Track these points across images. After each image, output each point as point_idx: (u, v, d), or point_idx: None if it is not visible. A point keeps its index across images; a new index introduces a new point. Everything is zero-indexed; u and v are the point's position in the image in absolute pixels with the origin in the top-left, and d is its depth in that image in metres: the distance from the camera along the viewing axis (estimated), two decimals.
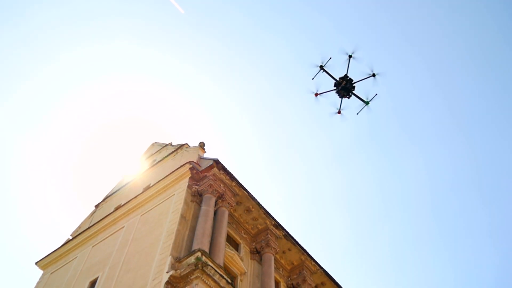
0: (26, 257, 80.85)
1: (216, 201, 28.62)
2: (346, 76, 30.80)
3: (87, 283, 27.89)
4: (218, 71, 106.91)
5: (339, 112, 31.94)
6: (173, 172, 31.00)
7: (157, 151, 41.25)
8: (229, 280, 22.69)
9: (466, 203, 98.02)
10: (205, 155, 32.94)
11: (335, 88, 31.12)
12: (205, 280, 21.51)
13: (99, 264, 28.82)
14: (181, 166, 30.82)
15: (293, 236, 33.04)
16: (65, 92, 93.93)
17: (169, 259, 22.90)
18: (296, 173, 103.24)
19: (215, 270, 22.12)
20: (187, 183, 28.98)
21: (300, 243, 33.28)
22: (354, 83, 30.95)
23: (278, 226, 32.16)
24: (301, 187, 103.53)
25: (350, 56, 30.35)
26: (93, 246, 31.91)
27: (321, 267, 34.09)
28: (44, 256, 34.98)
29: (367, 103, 31.28)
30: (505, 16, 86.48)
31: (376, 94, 31.19)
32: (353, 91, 31.16)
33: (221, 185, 29.44)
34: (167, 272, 22.07)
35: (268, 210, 31.76)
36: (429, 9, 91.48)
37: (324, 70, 30.53)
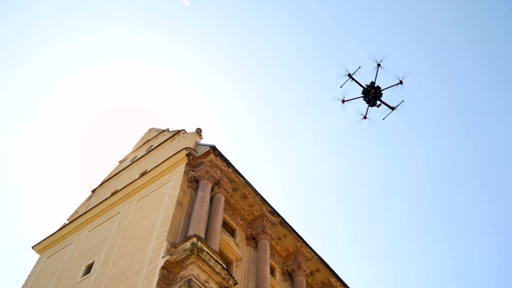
0: (22, 241, 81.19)
1: (212, 187, 28.67)
2: (373, 83, 31.25)
3: (83, 267, 28.03)
4: (217, 60, 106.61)
5: (364, 118, 32.40)
6: (169, 158, 31.00)
7: (154, 137, 41.22)
8: (225, 266, 22.82)
9: (466, 193, 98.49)
10: (202, 142, 32.90)
11: (363, 95, 31.62)
12: (200, 265, 21.64)
13: (96, 248, 28.94)
14: (177, 152, 30.81)
15: (289, 223, 33.21)
16: (64, 79, 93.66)
17: (165, 244, 23.00)
18: (293, 161, 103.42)
19: (211, 256, 22.24)
20: (184, 169, 29.00)
21: (295, 230, 33.46)
22: (382, 90, 31.49)
23: (274, 212, 32.29)
24: (298, 175, 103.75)
25: (378, 65, 30.92)
26: (89, 231, 32.00)
27: (316, 254, 34.31)
28: (41, 241, 35.09)
29: (393, 108, 31.78)
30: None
31: (403, 101, 31.96)
32: (380, 98, 31.71)
33: (218, 171, 29.47)
34: (162, 257, 22.18)
35: (264, 197, 31.87)
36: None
37: (353, 79, 31.12)
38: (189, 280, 20.64)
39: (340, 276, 35.41)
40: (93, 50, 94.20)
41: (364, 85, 31.49)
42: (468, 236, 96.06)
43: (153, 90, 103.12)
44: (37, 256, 34.68)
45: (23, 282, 31.95)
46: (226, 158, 30.24)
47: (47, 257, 33.28)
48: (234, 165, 30.62)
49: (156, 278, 21.16)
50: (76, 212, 37.37)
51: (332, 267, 35.09)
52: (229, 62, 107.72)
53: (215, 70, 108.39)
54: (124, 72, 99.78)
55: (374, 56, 30.93)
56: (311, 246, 34.18)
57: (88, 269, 27.62)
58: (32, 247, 35.20)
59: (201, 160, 29.87)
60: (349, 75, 31.00)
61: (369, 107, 32.15)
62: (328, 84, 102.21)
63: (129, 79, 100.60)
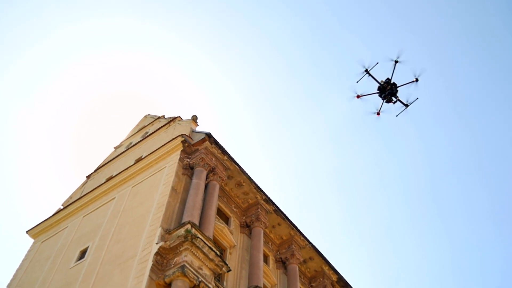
0: (17, 226, 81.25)
1: (207, 175, 28.69)
2: (389, 80, 31.28)
3: (77, 252, 28.11)
4: (214, 48, 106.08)
5: (378, 114, 32.47)
6: (165, 144, 30.97)
7: (150, 123, 41.13)
8: (218, 253, 22.92)
9: (465, 185, 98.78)
10: (198, 129, 32.87)
11: (378, 91, 31.66)
12: (194, 252, 21.73)
13: (90, 234, 29.00)
14: (173, 139, 30.77)
15: (283, 212, 33.34)
16: (60, 66, 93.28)
17: (159, 231, 23.07)
18: (290, 151, 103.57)
19: (204, 243, 22.32)
20: (179, 156, 28.98)
21: (290, 218, 33.60)
22: (398, 87, 31.55)
23: (269, 201, 32.39)
24: (295, 164, 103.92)
25: (396, 62, 30.89)
26: (84, 216, 32.04)
27: (310, 242, 34.50)
28: (35, 225, 35.14)
29: (407, 106, 31.86)
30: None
31: (417, 98, 32.05)
32: (396, 95, 31.81)
33: (213, 158, 29.48)
34: (156, 243, 22.25)
35: (259, 185, 31.93)
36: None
37: (370, 74, 31.13)
38: (183, 267, 20.74)
39: (333, 265, 35.67)
40: (89, 37, 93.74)
41: (380, 81, 31.54)
42: (467, 228, 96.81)
43: (149, 76, 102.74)
44: (31, 240, 34.75)
45: (17, 266, 32.06)
46: (222, 146, 30.23)
47: (42, 242, 33.35)
48: (229, 153, 30.65)
49: (149, 264, 21.25)
50: (70, 197, 37.38)
51: (325, 256, 35.34)
52: (226, 50, 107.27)
53: (212, 58, 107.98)
54: (121, 59, 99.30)
55: (384, 52, 31.09)
56: (305, 234, 34.39)
57: (82, 254, 27.70)
58: (27, 232, 35.25)
59: (197, 147, 29.85)
60: (366, 70, 31.08)
61: (383, 103, 32.19)
62: (328, 75, 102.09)
63: (125, 65, 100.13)
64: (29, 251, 33.43)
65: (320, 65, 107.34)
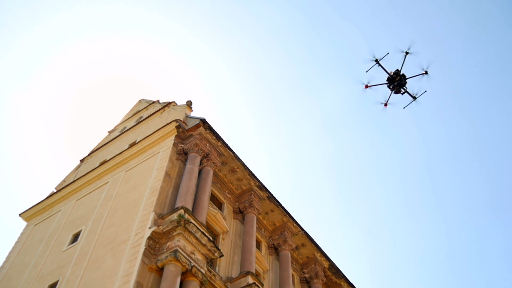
0: (10, 209, 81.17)
1: (201, 160, 28.70)
2: (398, 71, 31.17)
3: (70, 236, 28.14)
4: (210, 33, 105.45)
5: (385, 105, 32.43)
6: (159, 129, 30.88)
7: (144, 108, 40.95)
8: (211, 238, 23.02)
9: (463, 174, 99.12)
10: (192, 114, 32.75)
11: (387, 82, 31.58)
12: (187, 237, 21.81)
13: (83, 217, 29.01)
14: (167, 124, 30.67)
15: (277, 198, 33.46)
16: (56, 50, 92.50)
17: (152, 215, 23.11)
18: (285, 138, 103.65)
19: (197, 228, 22.40)
20: (173, 141, 28.93)
21: (283, 205, 33.74)
22: (407, 79, 31.46)
23: (262, 187, 32.48)
24: (290, 151, 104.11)
25: (406, 53, 30.79)
26: (77, 200, 32.03)
27: (302, 229, 34.70)
28: (28, 208, 35.11)
29: (415, 98, 31.79)
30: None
31: (426, 91, 31.96)
32: (404, 86, 31.75)
33: (207, 144, 29.45)
34: (149, 228, 22.30)
35: (252, 171, 31.99)
36: None
37: (379, 65, 31.03)
38: (175, 251, 20.82)
39: (325, 252, 35.94)
40: (84, 22, 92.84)
41: (389, 72, 31.48)
42: (464, 217, 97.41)
43: (145, 61, 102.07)
44: (24, 223, 34.76)
45: (10, 249, 32.08)
46: (216, 132, 30.20)
47: (35, 225, 33.35)
48: (223, 138, 30.63)
49: (142, 248, 21.32)
50: (64, 181, 37.31)
51: (317, 243, 35.58)
52: (222, 36, 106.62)
53: (208, 44, 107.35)
54: (116, 43, 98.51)
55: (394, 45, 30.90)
56: (299, 221, 34.61)
57: (75, 237, 27.74)
58: (20, 215, 35.23)
59: (191, 133, 29.80)
60: (376, 60, 31.02)
61: (391, 94, 32.15)
62: (324, 63, 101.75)
63: (120, 50, 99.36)
64: (22, 234, 33.43)
65: (317, 52, 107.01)
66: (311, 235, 35.21)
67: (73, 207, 31.43)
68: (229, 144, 30.95)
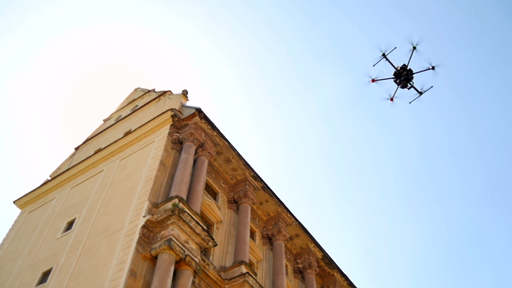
0: (4, 196, 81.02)
1: (196, 150, 28.67)
2: (405, 66, 31.14)
3: (64, 224, 28.15)
4: (207, 22, 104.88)
5: (391, 99, 32.41)
6: (154, 118, 30.80)
7: (140, 96, 40.80)
8: (205, 227, 23.07)
9: (462, 163, 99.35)
10: (188, 103, 32.66)
11: (394, 76, 31.55)
12: (181, 226, 21.85)
13: (77, 205, 29.00)
14: (163, 113, 30.59)
15: (271, 189, 33.51)
16: (52, 37, 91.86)
17: (146, 204, 23.12)
18: (281, 128, 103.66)
19: (191, 217, 22.44)
20: (168, 130, 28.87)
21: (277, 195, 33.81)
22: (414, 73, 31.40)
23: (257, 177, 32.52)
24: (286, 142, 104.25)
25: (414, 48, 30.67)
26: (71, 188, 31.99)
27: (297, 220, 34.83)
28: (23, 195, 35.04)
29: (421, 93, 31.78)
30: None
31: (432, 86, 31.85)
32: (411, 81, 31.70)
33: (202, 134, 29.42)
34: (144, 217, 22.33)
35: (248, 162, 32.01)
36: None
37: (386, 59, 30.96)
38: (169, 240, 20.87)
39: (319, 242, 36.13)
40: (81, 10, 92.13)
41: (396, 67, 31.46)
42: (463, 207, 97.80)
43: (141, 50, 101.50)
44: (18, 210, 34.73)
45: (4, 236, 32.09)
46: (211, 121, 30.15)
47: (29, 212, 33.32)
48: (219, 128, 30.57)
49: (136, 236, 21.35)
50: (58, 168, 37.23)
51: (311, 233, 35.75)
52: (219, 25, 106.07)
53: (204, 32, 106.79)
54: (112, 32, 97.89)
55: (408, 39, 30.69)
56: (294, 212, 34.75)
57: (69, 225, 27.75)
58: (14, 202, 35.18)
59: (186, 122, 29.74)
60: (383, 54, 30.91)
61: (398, 89, 32.11)
62: (321, 52, 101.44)
63: (116, 38, 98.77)
64: (16, 221, 33.41)
65: (314, 43, 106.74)
66: (305, 226, 35.40)
67: (68, 195, 31.40)
68: (224, 134, 30.95)
